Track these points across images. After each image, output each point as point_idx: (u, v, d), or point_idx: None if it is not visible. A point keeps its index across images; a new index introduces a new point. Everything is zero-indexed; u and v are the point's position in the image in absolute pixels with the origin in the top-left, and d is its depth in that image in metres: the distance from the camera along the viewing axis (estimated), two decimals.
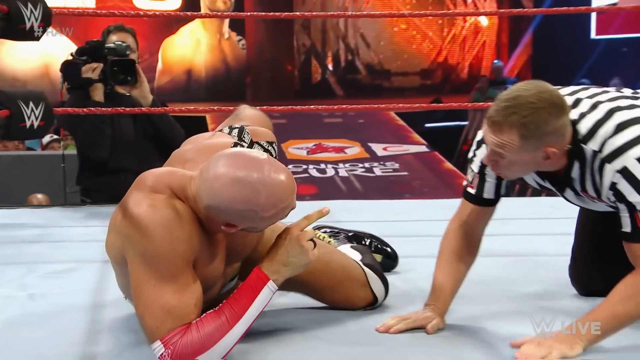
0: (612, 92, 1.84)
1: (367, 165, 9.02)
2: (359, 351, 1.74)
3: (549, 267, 2.43)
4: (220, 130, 1.86)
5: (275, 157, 1.75)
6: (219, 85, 13.00)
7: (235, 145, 1.73)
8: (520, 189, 8.29)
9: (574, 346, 1.68)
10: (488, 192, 1.93)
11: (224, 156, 1.58)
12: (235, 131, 1.78)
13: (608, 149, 1.71)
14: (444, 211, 3.52)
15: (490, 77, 11.73)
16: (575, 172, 1.78)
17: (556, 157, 1.72)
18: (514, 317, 1.96)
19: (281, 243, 1.63)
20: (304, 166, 8.89)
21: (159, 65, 12.97)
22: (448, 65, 13.75)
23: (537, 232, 2.96)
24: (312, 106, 4.47)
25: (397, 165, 9.02)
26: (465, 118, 10.39)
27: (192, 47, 13.17)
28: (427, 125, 10.37)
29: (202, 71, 13.17)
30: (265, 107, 4.72)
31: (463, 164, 9.80)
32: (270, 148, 1.78)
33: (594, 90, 1.85)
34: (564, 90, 1.83)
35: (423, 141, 9.81)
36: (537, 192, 7.92)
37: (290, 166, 9.05)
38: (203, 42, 13.15)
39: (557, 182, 1.86)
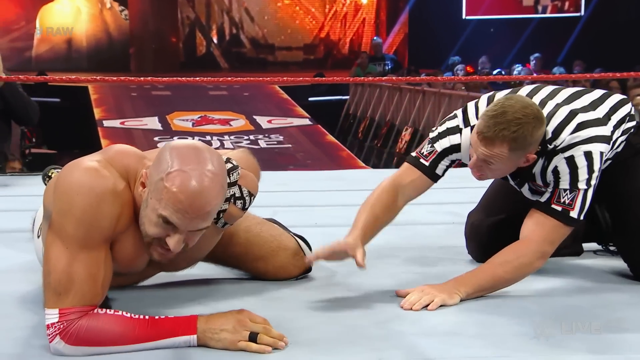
0: (564, 91, 1.99)
1: (252, 137, 8.97)
2: (291, 315, 1.68)
3: (424, 234, 2.50)
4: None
5: (246, 207, 1.70)
6: (101, 55, 12.53)
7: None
8: (398, 160, 8.48)
9: (453, 296, 1.82)
10: (440, 169, 2.00)
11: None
12: (228, 165, 1.67)
13: (565, 144, 1.87)
14: (326, 182, 3.60)
15: (370, 53, 11.90)
16: (537, 168, 1.91)
17: (533, 160, 1.87)
18: (399, 276, 2.02)
19: (228, 315, 1.55)
20: (190, 138, 8.74)
21: (37, 34, 12.35)
22: (330, 40, 13.85)
23: (416, 202, 3.01)
24: (198, 78, 4.37)
25: (281, 138, 9.03)
26: (347, 92, 10.51)
27: (72, 16, 12.60)
28: (311, 99, 10.42)
29: (83, 40, 12.64)
30: (150, 78, 4.60)
31: (345, 136, 9.94)
32: (247, 197, 1.69)
33: (548, 90, 1.98)
34: (523, 91, 1.96)
35: (306, 114, 9.86)
36: None
37: (175, 138, 8.87)
38: (84, 11, 12.61)
39: (518, 178, 1.97)
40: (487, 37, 12.61)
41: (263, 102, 10.38)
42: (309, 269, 2.01)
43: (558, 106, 1.91)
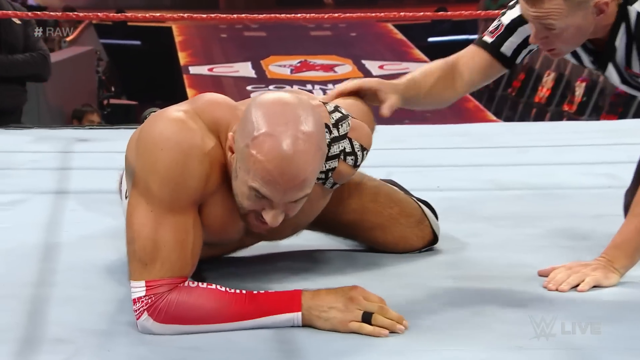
0: None
1: None
2: (411, 294, 1.74)
3: (572, 200, 2.44)
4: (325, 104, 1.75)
5: (358, 164, 1.71)
6: None
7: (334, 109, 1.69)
8: (537, 112, 8.29)
9: (609, 275, 1.75)
10: (507, 48, 1.94)
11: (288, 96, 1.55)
12: (337, 115, 1.69)
13: None
14: (449, 138, 3.56)
15: None
16: (619, 40, 1.79)
17: (609, 8, 1.74)
18: (541, 251, 1.99)
19: (339, 292, 1.55)
20: (287, 87, 8.85)
21: None
22: None
23: (559, 161, 2.98)
24: (299, 15, 4.39)
25: None
26: (475, 30, 10.29)
27: None
28: (430, 39, 10.32)
29: None
30: (244, 15, 4.65)
31: None
32: (359, 152, 1.70)
33: None
34: None
35: (425, 58, 9.78)
36: (559, 116, 7.96)
37: (271, 87, 9.01)
38: None
39: (599, 58, 1.86)
40: None
41: (373, 43, 10.36)
42: (434, 241, 1.99)
43: None
